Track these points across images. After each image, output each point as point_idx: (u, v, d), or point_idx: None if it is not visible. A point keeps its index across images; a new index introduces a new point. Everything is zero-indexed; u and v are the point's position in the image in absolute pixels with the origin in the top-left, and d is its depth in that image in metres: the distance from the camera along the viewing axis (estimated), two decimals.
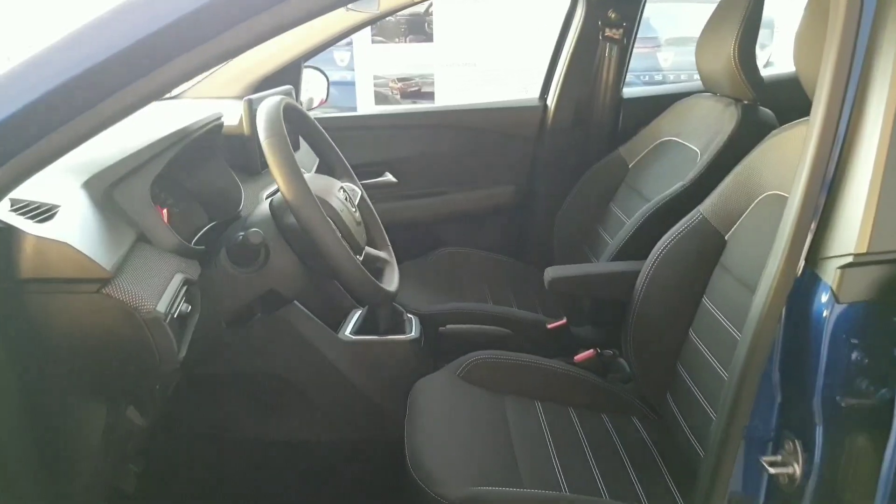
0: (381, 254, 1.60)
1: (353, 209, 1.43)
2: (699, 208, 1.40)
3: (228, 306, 1.33)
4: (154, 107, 0.92)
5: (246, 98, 1.57)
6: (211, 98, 2.24)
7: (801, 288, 0.88)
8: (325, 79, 2.64)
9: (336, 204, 1.34)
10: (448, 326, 1.92)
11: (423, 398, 1.43)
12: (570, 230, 2.23)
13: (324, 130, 1.58)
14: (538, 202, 2.50)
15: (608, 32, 2.29)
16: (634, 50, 2.42)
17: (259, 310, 1.42)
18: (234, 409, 1.57)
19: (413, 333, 1.71)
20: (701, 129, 1.84)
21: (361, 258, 1.39)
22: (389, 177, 2.48)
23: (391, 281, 1.53)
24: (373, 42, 3.67)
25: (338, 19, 2.19)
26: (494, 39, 3.60)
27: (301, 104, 2.46)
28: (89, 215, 1.02)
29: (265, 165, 1.62)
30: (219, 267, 1.29)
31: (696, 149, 1.82)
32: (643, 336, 1.44)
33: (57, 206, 0.99)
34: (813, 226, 0.87)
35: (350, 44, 3.28)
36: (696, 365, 1.30)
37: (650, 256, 1.43)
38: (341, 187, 1.44)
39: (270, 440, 1.60)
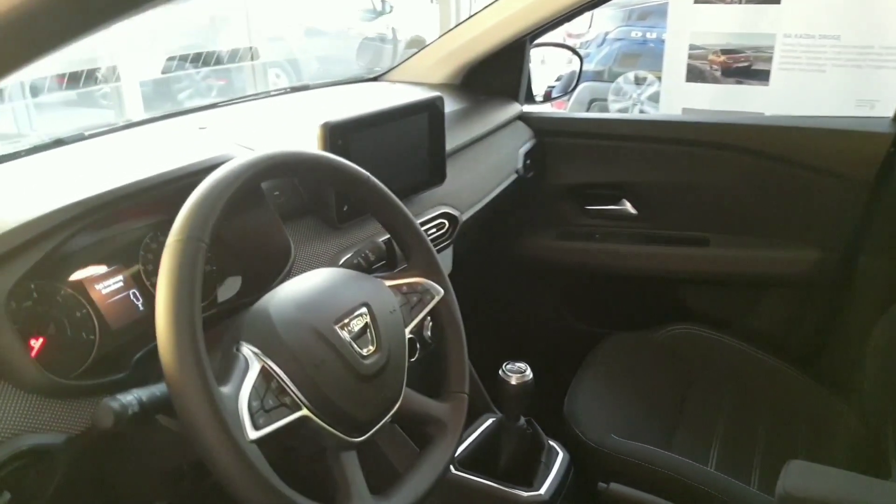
0: (437, 409, 0.91)
1: (371, 349, 0.80)
2: None
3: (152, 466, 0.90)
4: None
5: (324, 123, 1.08)
6: (412, 83, 1.80)
7: None
8: (577, 60, 2.01)
9: (337, 341, 0.79)
10: (613, 486, 1.26)
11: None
12: None
13: (395, 200, 0.96)
14: (859, 283, 1.58)
15: None
16: None
17: (190, 476, 0.96)
18: None
19: (543, 490, 1.14)
20: None
21: (384, 421, 0.82)
22: (627, 206, 1.79)
23: (414, 483, 0.83)
24: (695, 2, 2.81)
25: None
26: (873, 4, 2.44)
27: (535, 96, 1.89)
28: None
29: (347, 218, 1.14)
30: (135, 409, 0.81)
31: None
32: None
33: None
34: None
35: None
36: None
37: None
38: (392, 308, 0.87)
39: None
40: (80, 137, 1.27)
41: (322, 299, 0.79)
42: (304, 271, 1.09)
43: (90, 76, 4.31)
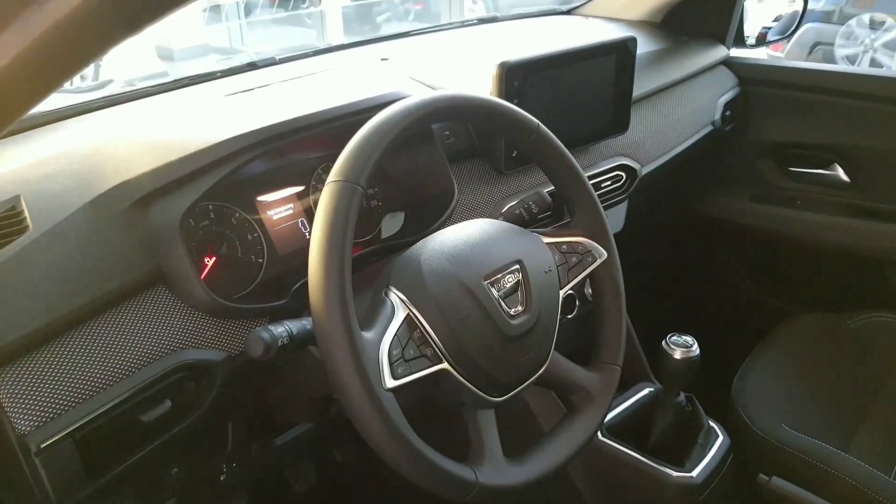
0: (585, 379, 0.85)
1: (520, 309, 0.76)
2: None
3: (299, 393, 0.93)
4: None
5: (501, 62, 1.01)
6: (607, 18, 1.68)
7: None
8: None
9: (485, 298, 0.74)
10: (776, 481, 1.14)
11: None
12: None
13: (564, 151, 0.86)
14: None
15: None
16: None
17: (338, 405, 0.96)
18: None
19: (695, 473, 1.07)
20: None
21: (531, 382, 0.78)
22: (839, 172, 1.57)
23: (549, 452, 0.79)
24: None
25: None
26: None
27: (747, 38, 1.70)
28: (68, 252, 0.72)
29: (513, 165, 1.09)
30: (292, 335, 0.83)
31: None
32: None
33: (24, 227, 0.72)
34: None
35: None
36: None
37: None
38: (548, 268, 0.82)
39: None
40: (271, 62, 1.31)
41: (473, 253, 0.76)
42: (466, 215, 1.07)
43: None
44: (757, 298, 1.78)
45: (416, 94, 0.75)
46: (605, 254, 0.88)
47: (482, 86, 1.07)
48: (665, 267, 1.81)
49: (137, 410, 0.75)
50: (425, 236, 0.96)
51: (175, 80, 1.20)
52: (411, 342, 0.69)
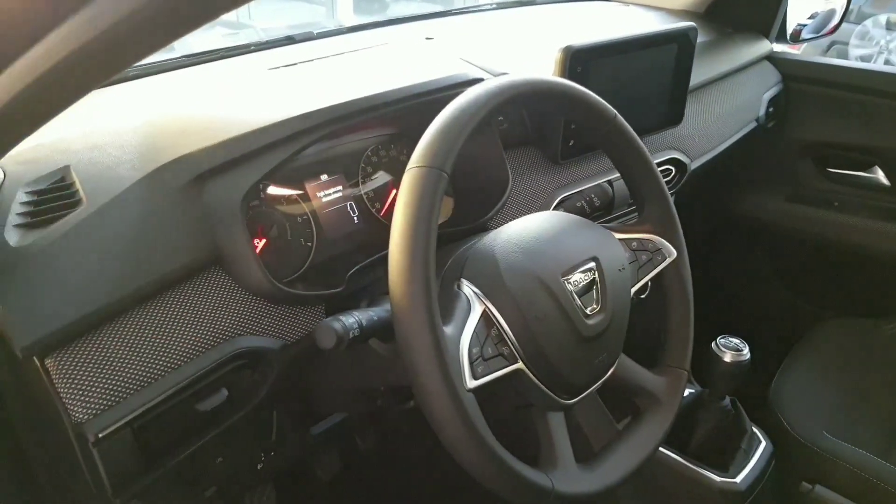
0: (652, 383, 0.82)
1: (595, 308, 0.72)
2: None
3: (343, 384, 0.90)
4: None
5: (567, 46, 0.96)
6: (647, 6, 1.63)
7: None
8: None
9: (562, 295, 0.71)
10: (819, 489, 1.12)
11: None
12: None
13: (640, 144, 0.82)
14: None
15: None
16: None
17: (383, 400, 0.93)
18: None
19: (739, 479, 1.04)
20: None
21: (599, 386, 0.75)
22: (880, 176, 1.54)
23: (620, 459, 0.75)
24: None
25: None
26: None
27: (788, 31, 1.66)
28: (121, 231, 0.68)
29: (569, 154, 1.05)
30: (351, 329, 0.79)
31: None
32: None
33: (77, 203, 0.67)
34: None
35: None
36: None
37: None
38: (622, 266, 0.77)
39: None
40: (309, 36, 1.26)
41: (549, 248, 0.72)
42: (517, 205, 1.03)
43: None
44: (792, 300, 1.75)
45: (496, 78, 0.71)
46: (675, 252, 0.84)
47: (539, 70, 1.02)
48: (696, 266, 1.77)
49: (195, 399, 0.71)
50: (479, 226, 0.92)
51: (208, 52, 1.15)
52: (489, 340, 0.65)
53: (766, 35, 1.59)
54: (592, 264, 0.73)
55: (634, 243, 0.82)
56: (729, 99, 1.41)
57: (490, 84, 0.69)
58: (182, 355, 0.69)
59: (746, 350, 1.05)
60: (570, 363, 0.70)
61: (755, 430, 1.14)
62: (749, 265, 1.82)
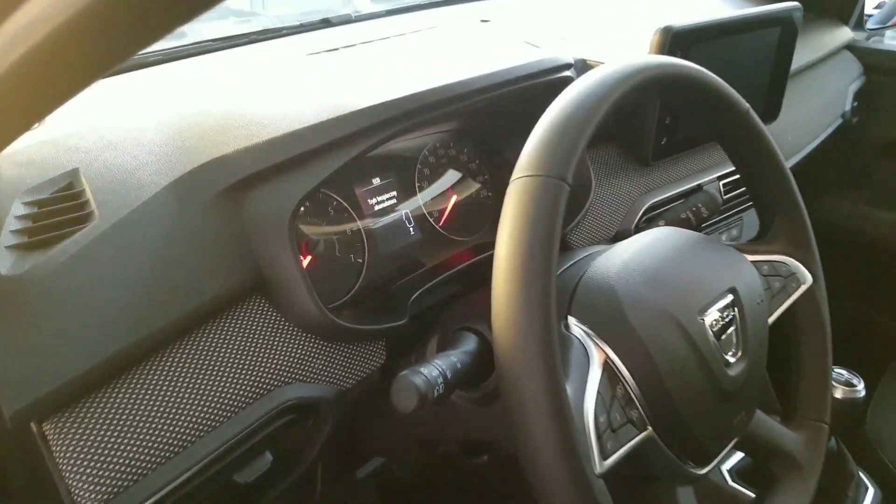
0: (789, 441, 0.67)
1: (736, 348, 0.59)
2: None
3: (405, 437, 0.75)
4: None
5: (666, 27, 0.81)
6: None
7: None
8: None
9: (701, 340, 0.55)
10: None
11: None
12: None
13: (774, 145, 0.68)
14: None
15: None
16: None
17: (450, 453, 0.77)
18: None
19: None
20: None
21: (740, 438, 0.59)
22: None
23: None
24: None
25: None
26: None
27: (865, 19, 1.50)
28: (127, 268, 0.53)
29: (662, 154, 0.89)
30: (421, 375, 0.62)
31: None
32: None
33: (88, 217, 0.53)
34: None
35: None
36: None
37: None
38: (760, 298, 0.61)
39: None
40: (347, 19, 1.12)
41: (680, 278, 0.56)
42: (599, 213, 0.88)
43: None
44: (868, 317, 1.59)
45: (613, 63, 0.56)
46: (810, 278, 0.69)
47: (627, 55, 0.87)
48: None
49: (232, 469, 0.56)
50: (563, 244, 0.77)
51: (238, 36, 1.01)
52: (615, 402, 0.50)
53: (846, 22, 1.43)
54: (731, 297, 0.58)
55: (766, 266, 0.67)
56: (817, 92, 1.25)
57: (606, 71, 0.54)
58: (217, 414, 0.54)
59: (861, 385, 0.90)
60: (707, 425, 0.55)
61: (863, 475, 0.99)
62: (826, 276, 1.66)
